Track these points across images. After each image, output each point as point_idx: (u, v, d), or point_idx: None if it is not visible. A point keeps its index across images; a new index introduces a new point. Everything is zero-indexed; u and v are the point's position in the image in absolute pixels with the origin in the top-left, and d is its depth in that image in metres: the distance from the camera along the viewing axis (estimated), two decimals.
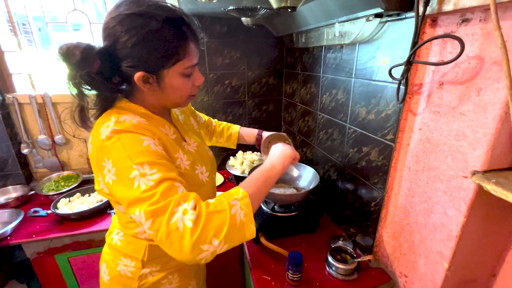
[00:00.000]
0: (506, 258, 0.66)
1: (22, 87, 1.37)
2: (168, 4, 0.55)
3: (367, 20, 0.72)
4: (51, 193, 1.28)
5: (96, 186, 0.62)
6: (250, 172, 1.06)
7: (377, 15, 0.69)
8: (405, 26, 0.65)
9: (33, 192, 1.34)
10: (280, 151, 0.75)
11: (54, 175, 1.41)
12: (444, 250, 0.63)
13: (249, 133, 1.04)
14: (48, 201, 1.28)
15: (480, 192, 0.55)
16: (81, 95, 0.55)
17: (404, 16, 0.65)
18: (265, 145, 0.96)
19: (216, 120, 1.07)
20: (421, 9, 0.55)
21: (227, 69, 1.46)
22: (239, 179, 1.32)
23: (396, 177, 0.76)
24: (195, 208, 0.49)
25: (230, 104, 1.54)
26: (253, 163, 1.37)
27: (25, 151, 1.38)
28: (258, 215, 1.02)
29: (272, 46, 1.47)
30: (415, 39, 0.57)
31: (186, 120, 0.80)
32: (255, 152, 1.56)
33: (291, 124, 1.51)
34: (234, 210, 0.52)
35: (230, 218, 0.50)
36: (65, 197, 1.25)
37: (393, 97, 0.71)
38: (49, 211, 1.13)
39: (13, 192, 1.36)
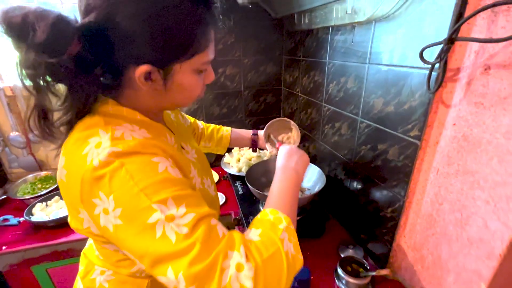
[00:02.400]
0: None
1: None
2: None
3: None
4: (26, 196, 1.15)
5: (74, 224, 0.45)
6: (248, 172, 0.94)
7: None
8: None
9: (4, 196, 1.20)
10: (300, 157, 0.65)
11: (30, 176, 1.28)
12: (482, 269, 0.53)
13: (242, 134, 0.91)
14: (23, 206, 1.15)
15: None
16: (41, 90, 0.38)
17: None
18: (267, 138, 0.85)
19: (202, 122, 0.91)
20: None
21: (221, 56, 1.31)
22: (235, 178, 1.21)
23: (420, 180, 0.65)
24: (247, 257, 0.36)
25: (224, 95, 1.40)
26: (250, 161, 1.25)
27: None
28: None
29: (271, 30, 1.32)
30: (460, 9, 0.44)
31: (177, 120, 0.66)
32: None
33: (292, 117, 1.38)
34: (286, 246, 0.41)
35: (286, 258, 0.39)
36: (41, 201, 1.12)
37: (420, 85, 0.59)
38: (21, 219, 1.00)
39: None
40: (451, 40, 0.46)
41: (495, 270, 0.51)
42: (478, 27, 0.48)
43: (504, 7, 0.43)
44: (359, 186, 0.87)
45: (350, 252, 0.83)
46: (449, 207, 0.58)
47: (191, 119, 0.85)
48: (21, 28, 0.32)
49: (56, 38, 0.34)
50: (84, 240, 1.04)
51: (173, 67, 0.41)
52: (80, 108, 0.42)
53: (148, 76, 0.41)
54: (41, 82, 0.37)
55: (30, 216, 1.04)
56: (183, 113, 0.76)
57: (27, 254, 0.99)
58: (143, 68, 0.39)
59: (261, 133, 0.89)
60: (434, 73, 0.54)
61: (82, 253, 0.60)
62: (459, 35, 0.47)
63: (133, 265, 0.50)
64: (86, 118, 0.43)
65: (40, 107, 0.39)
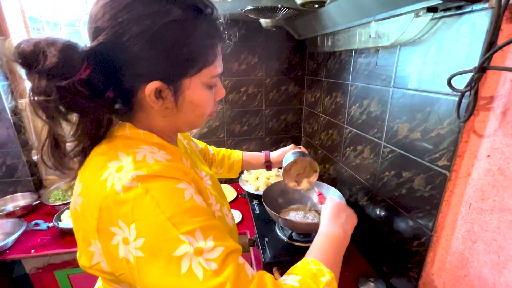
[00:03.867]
0: None
1: None
2: None
3: (416, 15, 0.57)
4: (57, 203, 1.23)
5: (82, 260, 0.40)
6: (265, 191, 0.93)
7: (430, 9, 0.54)
8: (469, 23, 0.50)
9: (38, 202, 1.29)
10: (349, 216, 0.64)
11: (63, 183, 1.36)
12: None
13: (255, 158, 0.89)
14: (53, 211, 1.22)
15: None
16: (54, 118, 0.37)
17: (469, 9, 0.50)
18: (288, 174, 0.82)
19: (213, 146, 0.89)
20: None
21: (243, 76, 1.35)
22: (252, 197, 1.20)
23: (449, 213, 0.60)
24: None
25: (245, 113, 1.43)
26: (268, 179, 1.24)
27: (35, 157, 1.34)
28: (272, 243, 0.88)
29: (293, 51, 1.35)
30: (493, 37, 0.42)
31: (190, 147, 0.64)
32: None
33: (312, 136, 1.36)
34: None
35: None
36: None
37: (449, 112, 0.56)
38: (50, 224, 1.06)
39: (22, 200, 1.32)
40: (482, 69, 0.43)
41: None
42: None
43: None
44: (382, 214, 0.82)
45: (371, 286, 0.77)
46: (484, 247, 0.53)
47: (202, 144, 0.83)
48: (33, 54, 0.33)
49: (66, 62, 0.34)
50: None
51: (183, 82, 0.41)
52: (94, 134, 0.42)
53: (158, 94, 0.40)
54: (54, 110, 0.36)
55: (59, 222, 1.10)
56: (194, 140, 0.75)
57: (52, 259, 1.04)
58: (153, 85, 0.38)
59: (273, 155, 0.88)
60: (464, 101, 0.51)
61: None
62: (492, 63, 0.45)
63: None
64: (103, 143, 0.43)
65: (53, 137, 0.38)
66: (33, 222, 1.05)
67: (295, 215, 0.94)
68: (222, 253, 0.34)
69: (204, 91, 0.44)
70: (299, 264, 0.46)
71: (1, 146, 1.27)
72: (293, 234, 0.90)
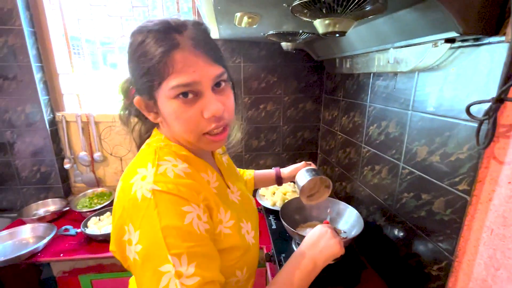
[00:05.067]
0: None
1: (70, 106, 1.46)
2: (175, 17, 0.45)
3: (434, 45, 0.60)
4: (84, 210, 1.30)
5: (112, 247, 0.48)
6: (283, 207, 0.95)
7: (448, 40, 0.57)
8: (487, 53, 0.52)
9: (67, 208, 1.37)
10: (326, 247, 0.60)
11: (89, 191, 1.45)
12: None
13: (266, 175, 0.91)
14: (80, 218, 1.30)
15: None
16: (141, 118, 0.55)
17: (486, 41, 0.52)
18: (306, 194, 0.83)
19: None
20: None
21: (263, 93, 1.41)
22: (269, 212, 1.22)
23: (470, 238, 0.60)
24: None
25: (263, 129, 1.48)
26: (285, 195, 1.26)
27: (67, 166, 1.45)
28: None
29: (311, 71, 1.40)
30: (510, 70, 0.44)
31: (229, 162, 0.69)
32: (288, 183, 1.45)
33: (329, 154, 1.38)
34: None
35: None
36: (96, 215, 1.26)
37: (468, 138, 0.57)
38: (78, 230, 1.13)
39: (52, 205, 1.41)
40: (500, 100, 0.45)
41: None
42: None
43: None
44: (401, 235, 0.81)
45: None
46: (508, 275, 0.52)
47: None
48: (121, 88, 0.54)
49: (124, 89, 0.53)
50: None
51: (155, 95, 0.45)
52: (143, 137, 0.55)
53: (147, 107, 0.48)
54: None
55: (85, 228, 1.16)
56: None
57: (78, 263, 1.10)
58: (137, 99, 0.48)
59: (284, 171, 0.89)
60: (483, 127, 0.52)
61: (129, 281, 0.63)
62: (510, 94, 0.47)
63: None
64: (144, 147, 0.52)
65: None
66: (63, 228, 1.12)
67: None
68: (196, 283, 0.38)
69: (174, 103, 0.43)
70: None
71: (38, 154, 1.39)
72: None
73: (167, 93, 0.43)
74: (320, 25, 0.64)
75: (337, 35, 0.66)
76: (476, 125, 0.53)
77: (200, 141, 0.48)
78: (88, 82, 1.45)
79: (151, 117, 0.49)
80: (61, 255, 1.06)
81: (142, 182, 0.42)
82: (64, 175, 1.49)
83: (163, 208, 0.40)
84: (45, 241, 1.07)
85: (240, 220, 0.54)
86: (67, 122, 1.41)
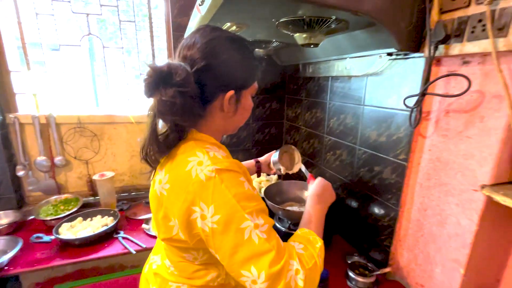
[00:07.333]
0: (508, 263, 0.75)
1: (25, 107, 1.33)
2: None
3: (379, 57, 0.84)
4: (49, 218, 1.21)
5: (162, 234, 0.57)
6: (265, 191, 1.10)
7: (389, 54, 0.81)
8: (412, 63, 0.78)
9: (31, 217, 1.24)
10: (330, 193, 0.81)
11: (52, 198, 1.34)
12: (460, 257, 0.71)
13: (248, 164, 1.02)
14: (45, 227, 1.20)
15: (489, 203, 0.64)
16: (169, 123, 0.55)
17: (411, 56, 0.78)
18: (283, 163, 1.01)
19: None
20: (431, 51, 0.67)
21: None
22: None
23: (408, 193, 0.85)
24: (301, 265, 0.51)
25: None
26: (261, 184, 1.41)
27: (20, 173, 1.30)
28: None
29: (276, 74, 1.59)
30: (428, 75, 0.69)
31: None
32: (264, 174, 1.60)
33: (295, 146, 1.59)
34: (319, 260, 0.56)
35: (320, 267, 0.55)
36: (66, 221, 1.18)
37: (404, 122, 0.82)
38: (52, 237, 1.06)
39: (4, 218, 1.25)
40: (423, 94, 0.70)
41: (468, 256, 0.69)
42: (439, 85, 0.73)
43: (452, 76, 0.68)
44: (359, 202, 1.05)
45: (355, 258, 0.98)
46: (432, 212, 0.78)
47: None
48: (170, 73, 0.50)
49: (187, 77, 0.51)
50: (108, 258, 1.09)
51: (243, 93, 0.59)
52: (180, 134, 0.56)
53: (229, 101, 0.57)
54: (170, 113, 0.51)
55: (58, 235, 1.09)
56: None
57: (54, 272, 1.04)
58: (230, 93, 0.56)
59: (262, 160, 1.04)
60: (413, 114, 0.77)
61: (152, 274, 0.67)
62: (428, 90, 0.72)
63: (207, 274, 0.60)
64: (181, 144, 0.57)
65: (170, 131, 0.56)
66: (34, 236, 1.04)
67: (292, 209, 1.13)
68: (268, 228, 0.50)
69: (250, 100, 0.63)
70: (298, 233, 0.63)
71: None
72: (291, 225, 1.08)
73: (252, 91, 0.62)
74: (300, 38, 0.83)
75: (312, 46, 0.85)
76: (408, 112, 0.78)
77: (241, 125, 0.67)
78: (48, 80, 1.34)
79: (227, 109, 0.57)
80: (35, 265, 0.99)
81: (201, 166, 0.50)
82: (17, 184, 1.33)
83: (227, 182, 0.49)
84: (13, 252, 0.98)
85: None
86: (21, 124, 1.28)
